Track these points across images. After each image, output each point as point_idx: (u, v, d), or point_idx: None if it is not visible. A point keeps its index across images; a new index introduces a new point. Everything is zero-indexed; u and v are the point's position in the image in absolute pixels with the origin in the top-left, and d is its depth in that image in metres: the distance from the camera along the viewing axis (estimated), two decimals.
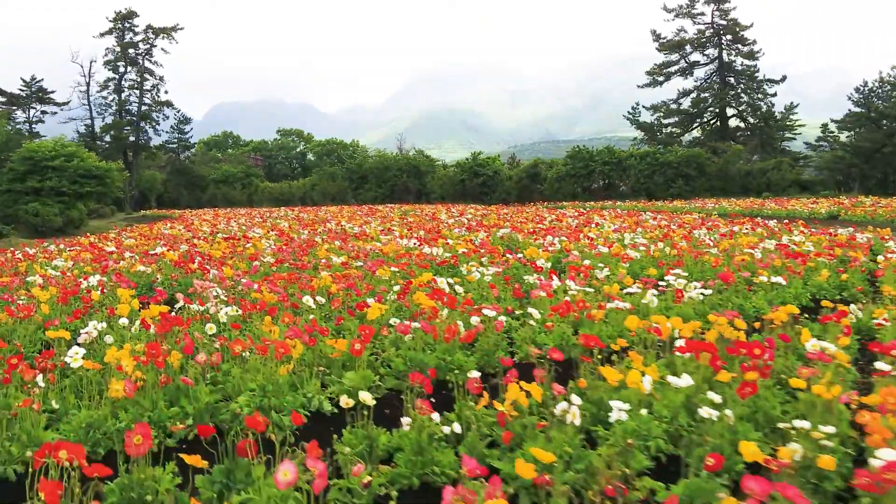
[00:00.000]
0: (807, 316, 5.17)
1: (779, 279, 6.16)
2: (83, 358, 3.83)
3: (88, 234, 17.95)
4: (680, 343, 3.50)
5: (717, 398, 2.77)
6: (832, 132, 50.70)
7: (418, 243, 11.07)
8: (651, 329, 3.83)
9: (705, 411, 2.61)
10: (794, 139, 52.71)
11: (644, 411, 3.02)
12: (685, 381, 3.00)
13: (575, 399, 2.78)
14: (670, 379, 3.06)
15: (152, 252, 10.83)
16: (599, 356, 4.32)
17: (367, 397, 2.83)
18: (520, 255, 8.90)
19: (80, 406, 3.50)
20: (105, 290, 6.56)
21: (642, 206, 30.34)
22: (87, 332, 4.53)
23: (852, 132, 48.29)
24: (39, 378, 3.29)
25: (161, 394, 3.32)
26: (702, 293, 5.50)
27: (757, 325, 4.80)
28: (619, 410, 2.71)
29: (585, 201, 39.27)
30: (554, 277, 6.48)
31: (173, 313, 5.28)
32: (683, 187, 42.36)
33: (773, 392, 3.25)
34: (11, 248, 13.57)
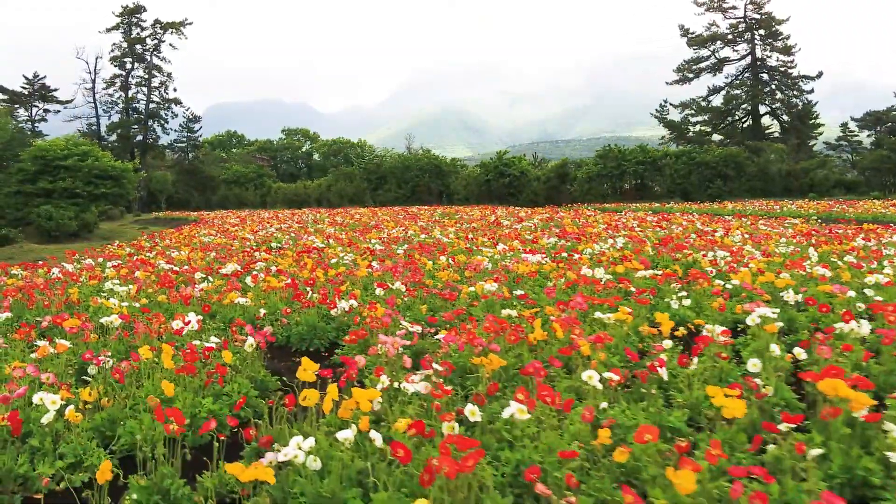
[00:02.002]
0: None
1: None
2: None
3: (122, 244, 15.89)
4: None
5: None
6: (853, 132, 49.27)
7: (543, 258, 9.10)
8: None
9: None
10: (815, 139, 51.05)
11: None
12: None
13: None
14: None
15: (224, 271, 8.83)
16: None
17: None
18: (717, 282, 6.90)
19: None
20: (227, 343, 4.57)
21: (696, 207, 28.35)
22: (284, 452, 2.56)
23: (873, 131, 47.25)
24: None
25: None
26: None
27: None
28: None
29: (616, 202, 37.34)
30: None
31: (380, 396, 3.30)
32: (722, 188, 40.45)
33: None
34: (41, 261, 11.54)
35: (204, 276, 8.24)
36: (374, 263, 8.53)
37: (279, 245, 13.89)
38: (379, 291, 6.61)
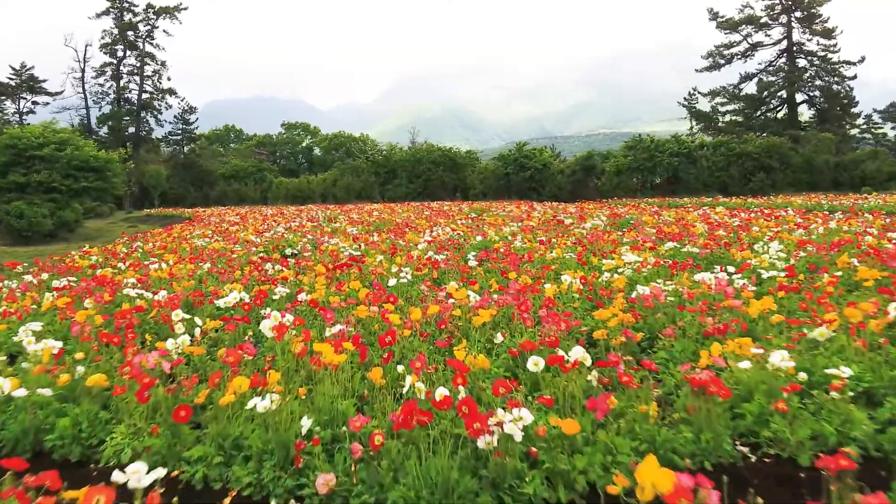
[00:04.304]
0: None
1: None
2: None
3: (92, 250, 12.39)
4: None
5: None
6: (877, 124, 46.61)
7: (742, 281, 5.70)
8: None
9: None
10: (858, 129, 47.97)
11: None
12: None
13: None
14: None
15: (222, 302, 5.41)
16: None
17: None
18: None
19: None
20: None
21: (757, 202, 24.95)
22: None
23: None
24: None
25: None
26: None
27: None
28: None
29: (649, 198, 33.91)
30: None
31: None
32: (764, 181, 37.03)
33: None
34: None
35: (186, 316, 4.81)
36: (469, 293, 5.09)
37: (295, 251, 10.49)
38: (533, 362, 3.19)
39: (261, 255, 9.97)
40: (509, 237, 11.66)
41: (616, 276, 6.46)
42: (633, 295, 5.42)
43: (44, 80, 58.76)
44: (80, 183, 24.61)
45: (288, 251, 10.31)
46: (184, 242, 12.64)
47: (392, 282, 6.14)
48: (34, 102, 59.08)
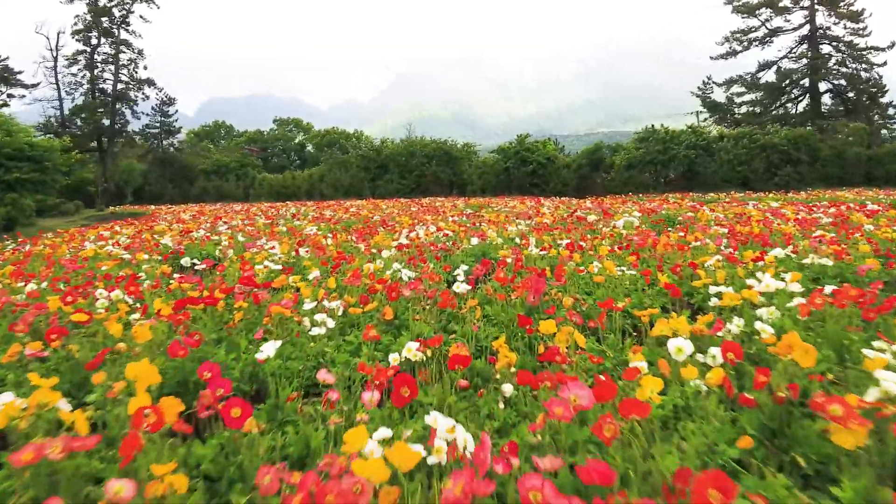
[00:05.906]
0: None
1: None
2: None
3: None
4: None
5: None
6: (891, 117, 43.44)
7: None
8: None
9: None
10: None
11: None
12: None
13: None
14: None
15: None
16: None
17: None
18: None
19: None
20: None
21: (807, 197, 21.53)
22: None
23: None
24: None
25: None
26: None
27: None
28: None
29: (664, 193, 30.45)
30: None
31: None
32: (792, 175, 33.58)
33: None
34: None
35: None
36: (437, 444, 1.62)
37: (195, 262, 7.01)
38: None
39: (144, 268, 6.48)
40: (518, 239, 8.20)
41: (759, 323, 3.02)
42: (872, 397, 2.03)
43: (19, 72, 55.16)
44: (13, 174, 21.06)
45: (185, 260, 6.83)
46: (69, 246, 9.15)
47: (269, 348, 2.63)
48: (9, 95, 55.56)
